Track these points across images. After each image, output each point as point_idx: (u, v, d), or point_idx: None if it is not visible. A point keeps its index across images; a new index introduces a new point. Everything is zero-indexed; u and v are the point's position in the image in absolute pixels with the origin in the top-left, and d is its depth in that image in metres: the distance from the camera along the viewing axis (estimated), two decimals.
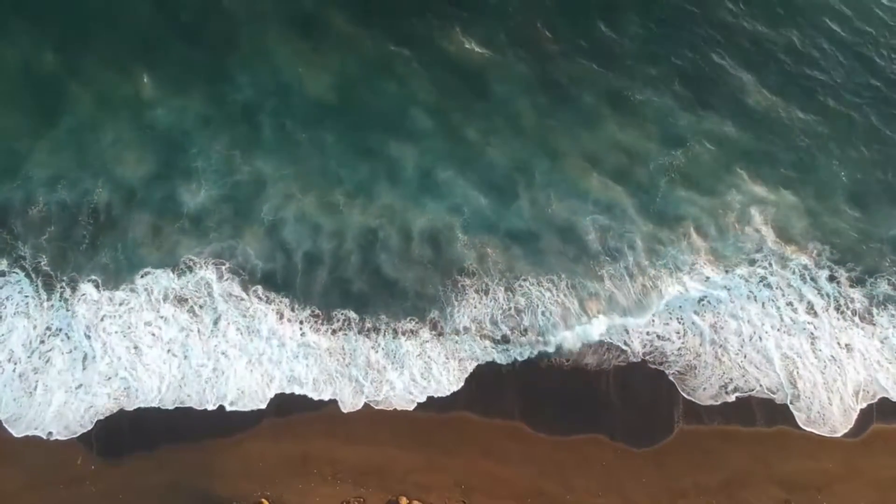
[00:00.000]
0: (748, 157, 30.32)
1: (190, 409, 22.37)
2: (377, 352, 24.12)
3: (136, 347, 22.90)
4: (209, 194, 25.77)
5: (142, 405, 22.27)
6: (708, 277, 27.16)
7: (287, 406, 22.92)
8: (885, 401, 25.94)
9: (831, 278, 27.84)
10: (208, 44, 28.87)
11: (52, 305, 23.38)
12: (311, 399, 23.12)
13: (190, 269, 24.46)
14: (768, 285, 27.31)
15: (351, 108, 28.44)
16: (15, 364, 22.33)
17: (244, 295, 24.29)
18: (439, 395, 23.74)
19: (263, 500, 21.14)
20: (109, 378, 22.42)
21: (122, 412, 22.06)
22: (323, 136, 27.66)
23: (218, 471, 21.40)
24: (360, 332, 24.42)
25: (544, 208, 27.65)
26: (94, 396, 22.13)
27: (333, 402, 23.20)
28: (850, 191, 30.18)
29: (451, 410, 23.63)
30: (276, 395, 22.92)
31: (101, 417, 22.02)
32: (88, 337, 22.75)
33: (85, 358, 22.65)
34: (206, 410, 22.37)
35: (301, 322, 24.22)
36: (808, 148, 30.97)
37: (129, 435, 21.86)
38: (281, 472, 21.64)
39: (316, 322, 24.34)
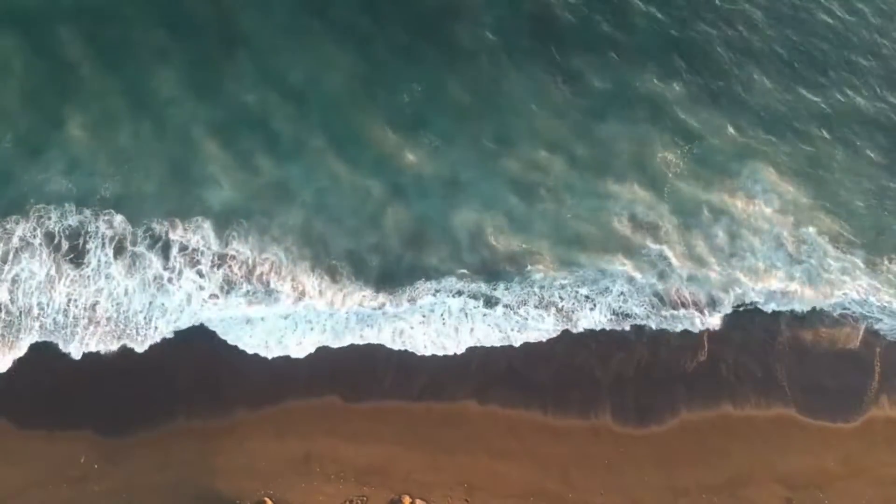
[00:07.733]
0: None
1: (193, 405, 22.25)
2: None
3: None
4: None
5: None
6: None
7: (285, 394, 22.80)
8: (881, 385, 26.53)
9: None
10: None
11: None
12: (312, 390, 23.03)
13: None
14: None
15: None
16: None
17: None
18: None
19: (266, 498, 21.20)
20: None
21: (122, 411, 21.98)
22: None
23: (221, 469, 21.39)
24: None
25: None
26: None
27: (334, 396, 23.12)
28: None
29: (455, 400, 23.69)
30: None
31: None
32: None
33: None
34: (208, 408, 22.28)
35: None
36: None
37: (132, 434, 21.68)
38: (284, 471, 21.65)
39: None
